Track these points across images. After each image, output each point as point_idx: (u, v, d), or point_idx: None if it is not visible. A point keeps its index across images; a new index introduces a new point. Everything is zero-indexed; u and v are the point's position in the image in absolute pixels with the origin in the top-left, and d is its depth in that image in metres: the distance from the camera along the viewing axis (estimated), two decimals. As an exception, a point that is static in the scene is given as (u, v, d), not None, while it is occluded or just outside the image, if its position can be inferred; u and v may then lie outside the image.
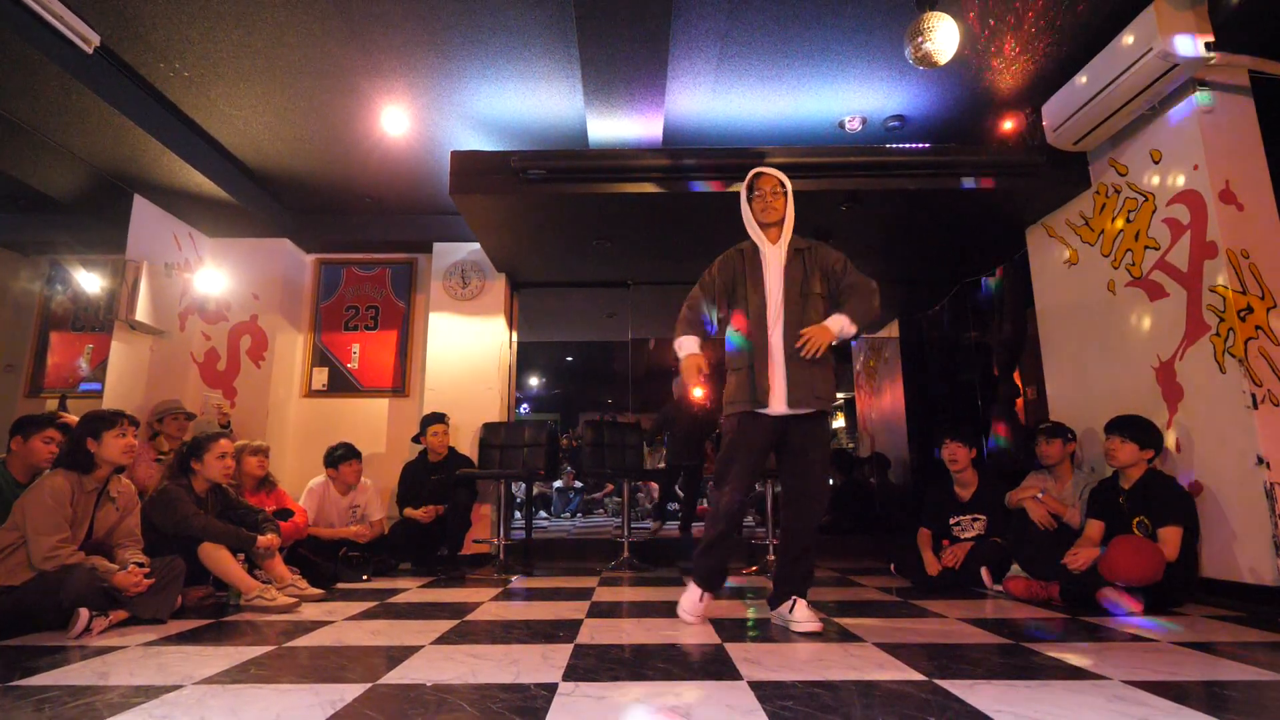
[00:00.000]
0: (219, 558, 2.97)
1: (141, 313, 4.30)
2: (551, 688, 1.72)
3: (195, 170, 4.18)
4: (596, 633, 2.43)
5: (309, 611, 2.90)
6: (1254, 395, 2.95)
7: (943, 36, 3.04)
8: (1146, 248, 3.55)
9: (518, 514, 5.85)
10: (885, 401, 7.12)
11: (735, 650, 2.15)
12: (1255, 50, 3.18)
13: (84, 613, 2.37)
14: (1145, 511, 2.99)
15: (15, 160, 4.09)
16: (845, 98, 3.90)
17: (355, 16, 3.22)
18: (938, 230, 4.75)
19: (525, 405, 13.31)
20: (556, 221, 4.55)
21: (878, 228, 4.71)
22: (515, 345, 5.65)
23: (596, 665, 1.96)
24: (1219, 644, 2.24)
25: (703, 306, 2.71)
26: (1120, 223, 3.74)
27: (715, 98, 3.88)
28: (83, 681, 1.80)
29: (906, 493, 6.28)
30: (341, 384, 5.40)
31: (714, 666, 1.96)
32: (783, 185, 2.67)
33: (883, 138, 4.28)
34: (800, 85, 3.78)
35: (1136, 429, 3.12)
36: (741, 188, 2.74)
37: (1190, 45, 3.01)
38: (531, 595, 3.42)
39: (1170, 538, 2.86)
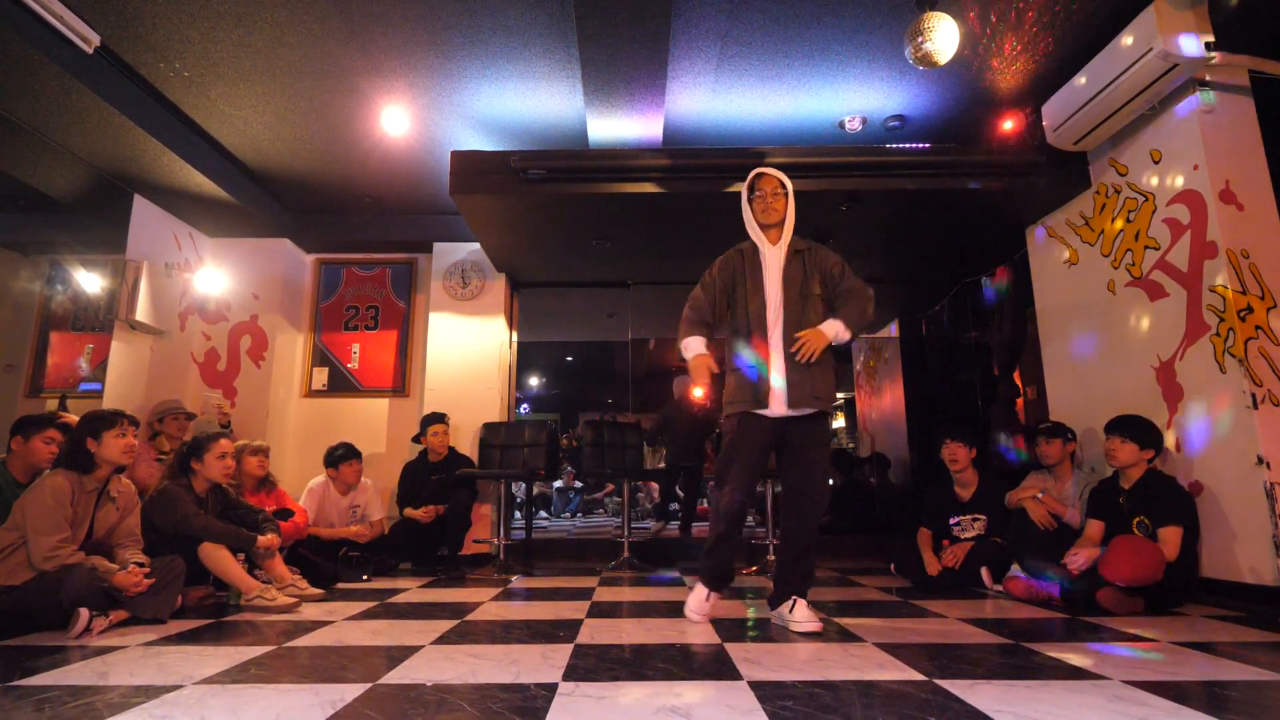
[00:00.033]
0: (219, 558, 2.97)
1: (141, 313, 4.31)
2: (551, 688, 1.72)
3: (195, 170, 4.18)
4: (596, 633, 2.43)
5: (309, 611, 2.90)
6: (1254, 395, 2.95)
7: (943, 36, 3.05)
8: (1146, 248, 3.55)
9: (518, 514, 5.85)
10: (885, 401, 7.13)
11: (735, 650, 2.15)
12: (1255, 50, 3.19)
13: (84, 613, 2.37)
14: (1145, 511, 2.99)
15: (15, 160, 4.09)
16: (845, 98, 3.91)
17: (355, 16, 3.22)
18: (938, 230, 4.75)
19: (525, 405, 13.31)
20: (556, 221, 4.55)
21: (878, 228, 4.71)
22: (515, 345, 5.66)
23: (596, 665, 1.96)
24: (1219, 644, 2.24)
25: (705, 307, 2.71)
26: (1120, 223, 3.74)
27: (715, 98, 3.88)
28: (83, 681, 1.80)
29: (906, 493, 6.28)
30: (341, 384, 5.40)
31: (714, 666, 1.96)
32: (784, 186, 2.67)
33: (883, 138, 4.28)
34: (800, 85, 3.78)
35: (1136, 429, 3.12)
36: (742, 188, 2.74)
37: (1190, 45, 3.01)
38: (531, 595, 3.42)
39: (1170, 538, 2.86)
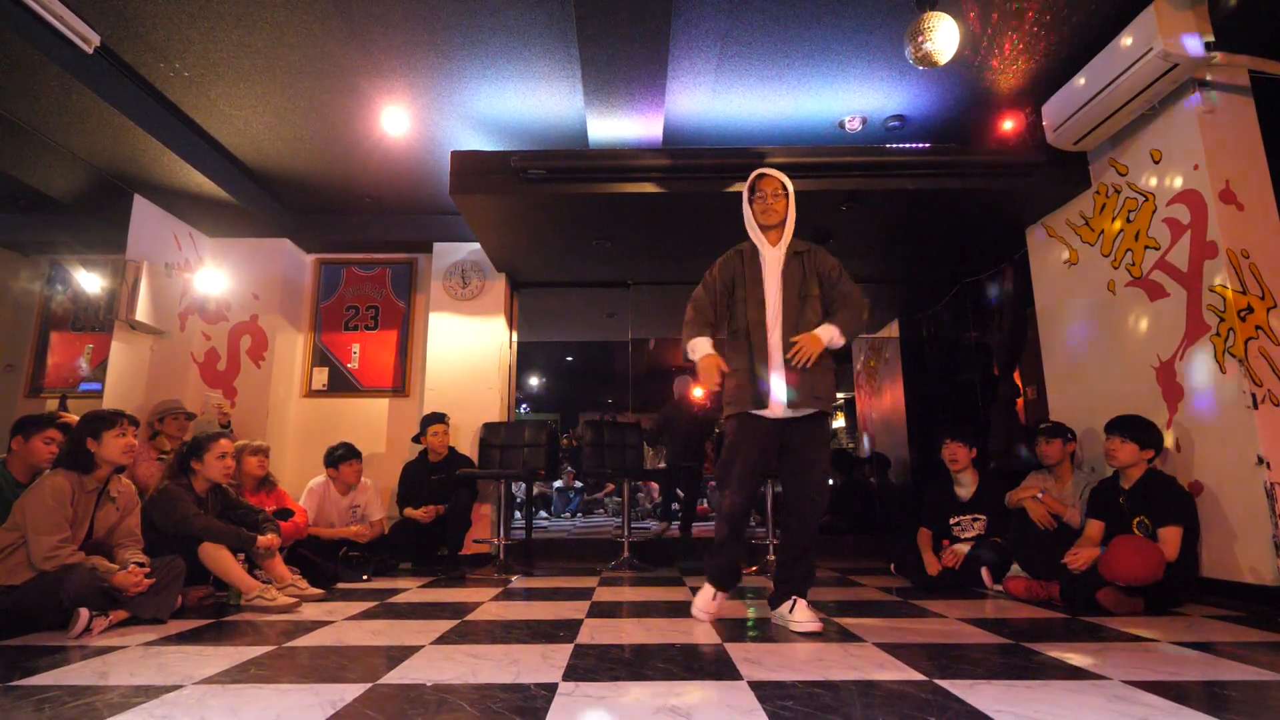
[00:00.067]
0: (219, 558, 2.97)
1: (141, 313, 4.31)
2: (552, 688, 1.72)
3: (195, 170, 4.18)
4: (596, 633, 2.43)
5: (309, 611, 2.90)
6: (1254, 395, 2.95)
7: (943, 36, 3.05)
8: (1146, 248, 3.55)
9: (518, 514, 5.85)
10: (885, 401, 7.13)
11: (735, 650, 2.15)
12: (1255, 50, 3.18)
13: (84, 613, 2.37)
14: (1145, 511, 2.99)
15: (15, 160, 4.09)
16: (845, 98, 3.91)
17: (355, 16, 3.22)
18: (938, 230, 4.75)
19: (525, 405, 13.31)
20: (556, 221, 4.55)
21: (878, 228, 4.71)
22: (515, 345, 5.66)
23: (597, 665, 1.96)
24: (1219, 644, 2.24)
25: (707, 307, 2.71)
26: (1120, 223, 3.74)
27: (715, 98, 3.88)
28: (83, 681, 1.80)
29: (906, 493, 6.28)
30: (341, 384, 5.40)
31: (714, 666, 1.96)
32: (784, 187, 2.67)
33: (883, 138, 4.28)
34: (800, 85, 3.78)
35: (1136, 429, 3.12)
36: (743, 189, 2.74)
37: (1190, 45, 3.01)
38: (531, 595, 3.42)
39: (1170, 538, 2.86)
